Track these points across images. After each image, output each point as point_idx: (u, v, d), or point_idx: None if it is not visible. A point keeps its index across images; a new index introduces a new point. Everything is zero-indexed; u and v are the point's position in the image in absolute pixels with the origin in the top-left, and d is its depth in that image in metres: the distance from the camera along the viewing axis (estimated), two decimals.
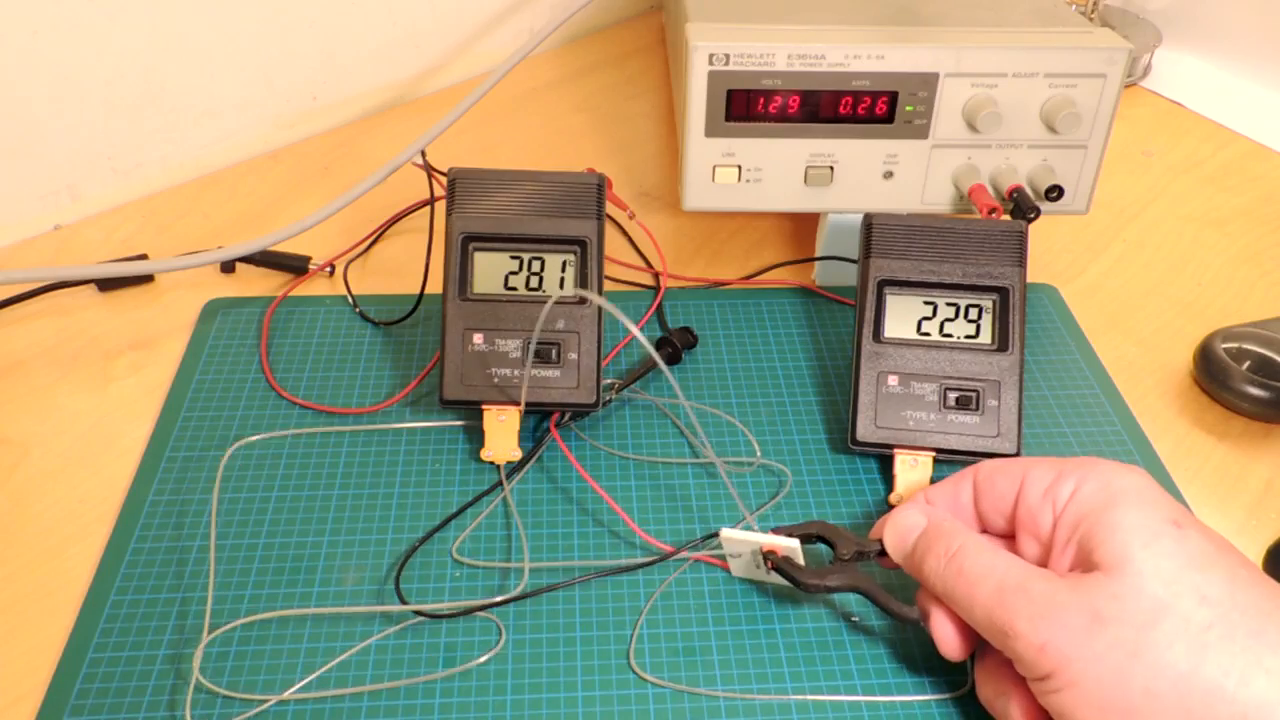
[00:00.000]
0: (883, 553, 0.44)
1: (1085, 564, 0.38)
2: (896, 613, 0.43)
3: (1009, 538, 0.43)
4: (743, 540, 0.45)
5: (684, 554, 0.48)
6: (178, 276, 0.64)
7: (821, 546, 0.46)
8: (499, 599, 0.45)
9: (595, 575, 0.47)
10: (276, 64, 0.76)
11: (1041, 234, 0.69)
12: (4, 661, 0.44)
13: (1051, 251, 0.69)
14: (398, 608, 0.45)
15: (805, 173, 0.58)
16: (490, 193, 0.52)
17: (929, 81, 0.55)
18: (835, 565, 0.44)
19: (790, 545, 0.44)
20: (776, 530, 0.45)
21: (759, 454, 0.53)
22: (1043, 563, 0.40)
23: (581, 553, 0.48)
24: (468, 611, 0.45)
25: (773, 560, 0.44)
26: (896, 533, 0.43)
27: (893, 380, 0.51)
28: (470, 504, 0.50)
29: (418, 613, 0.45)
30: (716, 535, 0.46)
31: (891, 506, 0.50)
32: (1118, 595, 0.35)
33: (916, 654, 0.44)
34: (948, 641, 0.41)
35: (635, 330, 0.40)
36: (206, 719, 0.41)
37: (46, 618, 0.45)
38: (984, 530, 0.44)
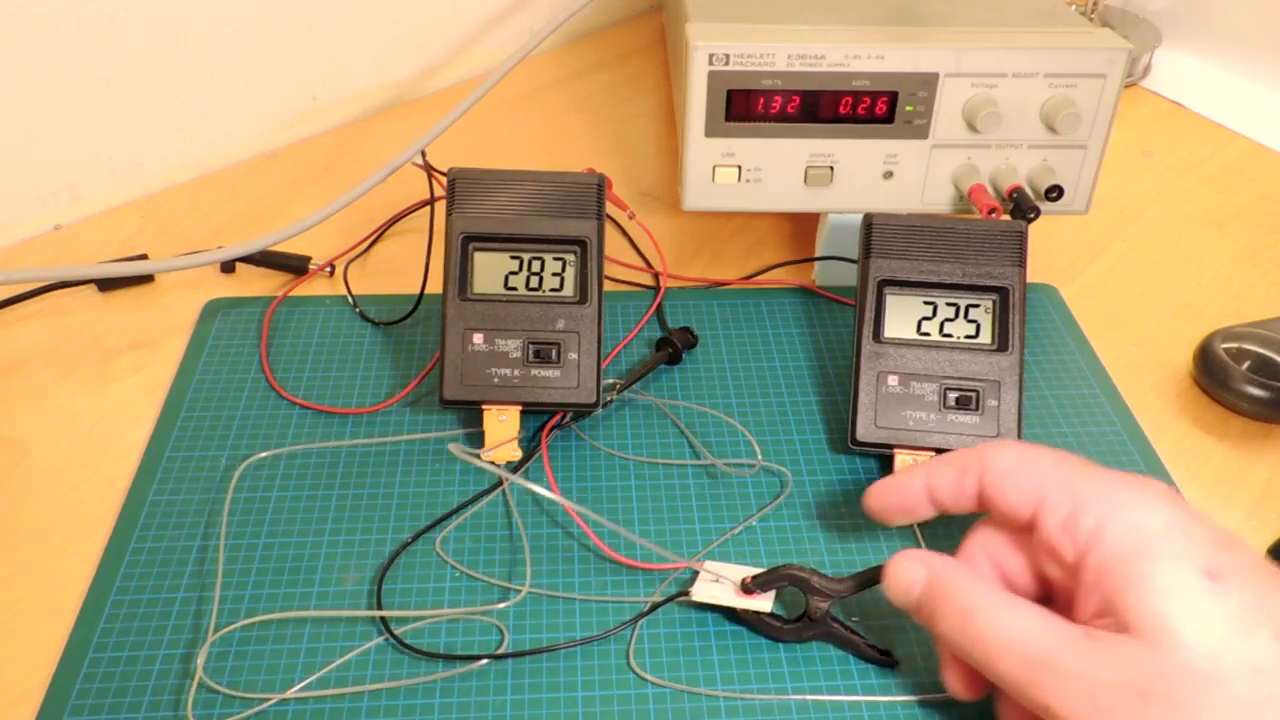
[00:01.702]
0: (876, 581, 0.43)
1: (1115, 619, 0.35)
2: (872, 659, 0.44)
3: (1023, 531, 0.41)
4: (715, 601, 0.44)
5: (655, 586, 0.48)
6: (178, 276, 0.64)
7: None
8: (500, 604, 0.46)
9: (578, 645, 0.44)
10: (276, 64, 0.76)
11: (1041, 234, 0.69)
12: (4, 661, 0.44)
13: (1051, 251, 0.69)
14: (395, 613, 0.45)
15: (805, 173, 0.58)
16: (490, 193, 0.52)
17: (929, 81, 0.55)
18: (804, 623, 0.44)
19: (762, 607, 0.44)
20: (747, 584, 0.44)
21: (759, 455, 0.53)
22: (1067, 587, 0.38)
23: (582, 550, 0.48)
24: (468, 615, 0.45)
25: (745, 617, 0.44)
26: (898, 588, 0.41)
27: (893, 380, 0.51)
28: (469, 503, 0.50)
29: (416, 619, 0.45)
30: (688, 594, 0.45)
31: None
32: (1162, 674, 0.33)
33: (917, 654, 0.44)
34: (961, 691, 0.40)
35: (553, 493, 0.40)
36: (208, 719, 0.41)
37: (46, 618, 0.45)
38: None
